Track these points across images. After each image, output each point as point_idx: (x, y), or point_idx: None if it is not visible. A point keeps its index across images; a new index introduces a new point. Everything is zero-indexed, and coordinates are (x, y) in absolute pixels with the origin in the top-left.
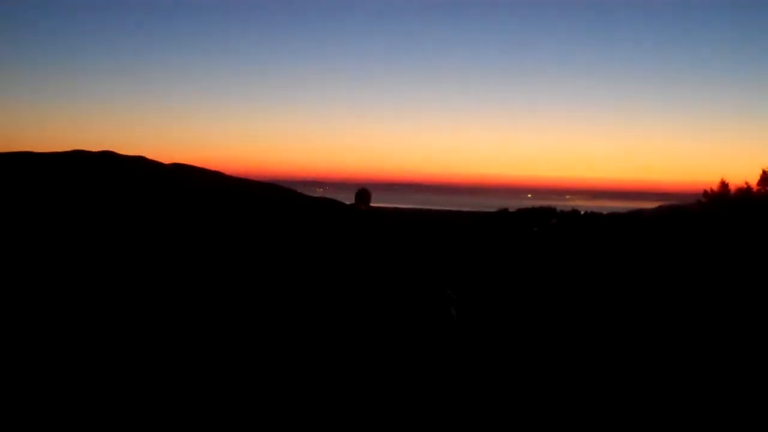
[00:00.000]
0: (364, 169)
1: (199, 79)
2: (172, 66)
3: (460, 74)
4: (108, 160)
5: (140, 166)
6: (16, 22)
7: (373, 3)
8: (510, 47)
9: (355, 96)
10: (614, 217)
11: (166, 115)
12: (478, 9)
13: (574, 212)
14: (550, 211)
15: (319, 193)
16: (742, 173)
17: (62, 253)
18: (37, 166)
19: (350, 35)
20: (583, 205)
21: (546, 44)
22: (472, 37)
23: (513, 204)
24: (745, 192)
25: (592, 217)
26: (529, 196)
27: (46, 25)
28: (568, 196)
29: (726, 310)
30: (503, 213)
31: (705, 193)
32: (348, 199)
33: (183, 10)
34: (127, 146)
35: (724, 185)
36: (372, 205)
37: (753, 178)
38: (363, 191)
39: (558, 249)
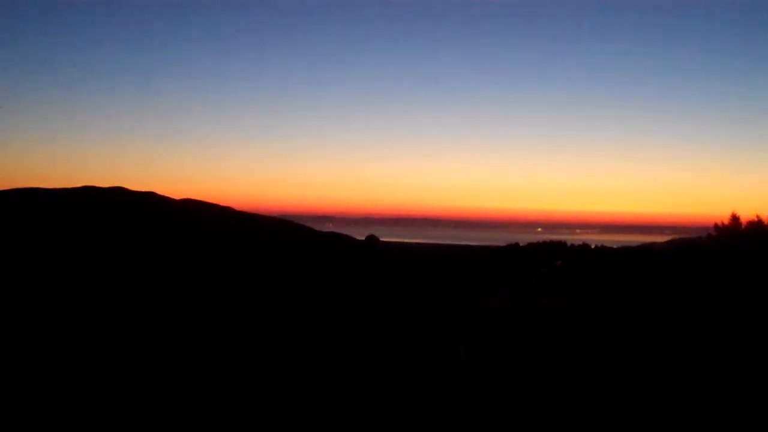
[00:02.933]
0: (374, 203)
1: (208, 114)
2: (182, 100)
3: (471, 108)
4: (118, 195)
5: (150, 201)
6: (24, 55)
7: (383, 34)
8: (520, 81)
9: (366, 130)
10: (625, 251)
11: (176, 150)
12: (490, 40)
13: (585, 246)
14: (559, 246)
15: (329, 228)
16: (753, 206)
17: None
18: (48, 202)
19: (362, 69)
20: (594, 239)
21: (556, 77)
22: (482, 70)
23: (523, 238)
24: (756, 225)
25: (602, 252)
26: (539, 230)
27: (56, 58)
28: (578, 230)
29: (743, 350)
30: (513, 248)
31: (716, 226)
32: (358, 234)
33: (194, 41)
34: (137, 180)
35: (735, 218)
36: (383, 239)
37: (764, 211)
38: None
39: (562, 291)
